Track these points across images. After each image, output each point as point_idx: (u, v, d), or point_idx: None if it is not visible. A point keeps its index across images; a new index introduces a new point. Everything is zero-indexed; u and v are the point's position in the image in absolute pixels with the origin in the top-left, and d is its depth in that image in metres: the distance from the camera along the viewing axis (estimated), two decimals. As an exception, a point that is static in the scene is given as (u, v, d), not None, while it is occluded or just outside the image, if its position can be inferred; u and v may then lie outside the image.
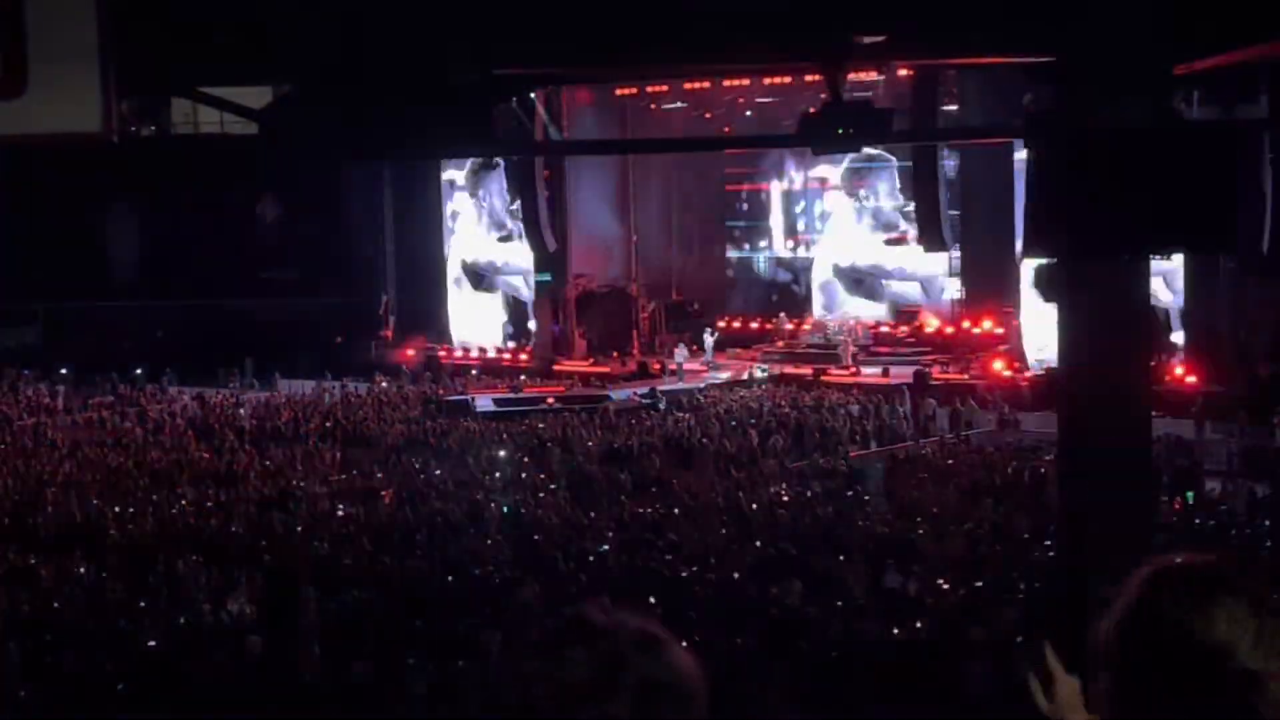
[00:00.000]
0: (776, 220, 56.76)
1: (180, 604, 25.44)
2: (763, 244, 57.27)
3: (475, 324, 57.22)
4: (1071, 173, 12.32)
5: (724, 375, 49.34)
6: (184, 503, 32.26)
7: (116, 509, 31.83)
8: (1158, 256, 13.96)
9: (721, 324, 54.31)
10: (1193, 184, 11.91)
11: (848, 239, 54.20)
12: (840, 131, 12.64)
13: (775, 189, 56.48)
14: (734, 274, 57.49)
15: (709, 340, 52.47)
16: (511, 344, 56.07)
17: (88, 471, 36.09)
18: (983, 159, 46.56)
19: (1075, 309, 13.24)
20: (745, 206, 57.39)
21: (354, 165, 55.78)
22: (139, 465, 36.80)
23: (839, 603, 24.12)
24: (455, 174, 57.57)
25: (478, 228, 57.94)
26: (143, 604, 25.29)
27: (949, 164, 47.80)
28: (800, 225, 56.31)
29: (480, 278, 57.71)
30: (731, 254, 57.74)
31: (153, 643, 23.65)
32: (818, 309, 54.65)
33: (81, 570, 27.70)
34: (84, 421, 45.58)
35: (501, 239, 56.89)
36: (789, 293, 56.17)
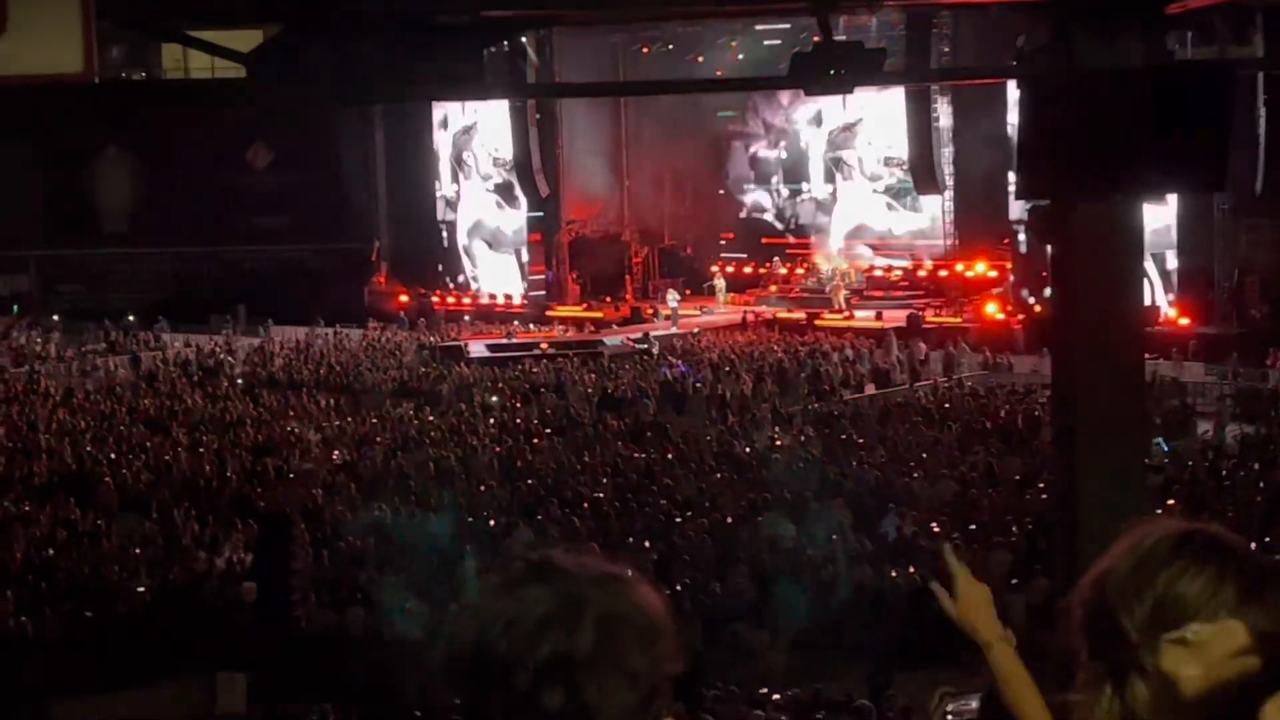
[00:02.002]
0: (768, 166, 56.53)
1: (174, 551, 25.47)
2: (754, 186, 57.00)
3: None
4: (1064, 113, 12.24)
5: (720, 320, 49.39)
6: (178, 449, 32.24)
7: (111, 456, 31.82)
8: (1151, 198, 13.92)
9: (714, 268, 54.22)
10: (1185, 124, 11.83)
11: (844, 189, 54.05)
12: (832, 72, 12.54)
13: (765, 131, 56.20)
14: (733, 217, 57.16)
15: (720, 284, 52.46)
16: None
17: (81, 418, 36.06)
18: (976, 101, 46.40)
19: (1067, 250, 13.19)
20: (739, 152, 57.11)
21: (344, 109, 55.52)
22: (132, 413, 36.76)
23: (831, 547, 24.17)
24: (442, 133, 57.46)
25: (469, 185, 57.69)
26: (137, 551, 25.32)
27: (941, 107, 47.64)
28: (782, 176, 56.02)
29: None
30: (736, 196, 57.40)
31: (143, 589, 23.70)
32: (813, 253, 54.48)
33: (75, 518, 27.72)
34: (76, 369, 45.52)
35: (496, 187, 56.60)
36: (781, 236, 55.94)
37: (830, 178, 54.37)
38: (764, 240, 55.54)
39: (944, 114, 47.68)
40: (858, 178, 53.65)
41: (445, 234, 58.50)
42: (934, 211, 50.71)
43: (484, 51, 13.58)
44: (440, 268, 58.11)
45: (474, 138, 57.25)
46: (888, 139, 51.44)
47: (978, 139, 46.48)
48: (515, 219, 56.33)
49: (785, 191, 55.85)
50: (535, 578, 2.27)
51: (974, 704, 2.66)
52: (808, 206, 55.01)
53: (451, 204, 58.38)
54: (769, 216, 56.16)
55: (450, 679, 2.27)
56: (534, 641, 2.21)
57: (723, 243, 56.20)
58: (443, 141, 58.13)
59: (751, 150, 56.41)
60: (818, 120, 53.69)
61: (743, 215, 56.81)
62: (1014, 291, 46.03)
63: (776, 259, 54.32)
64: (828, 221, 54.32)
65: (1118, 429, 13.07)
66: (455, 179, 58.21)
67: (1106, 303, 12.97)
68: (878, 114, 51.18)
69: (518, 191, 54.45)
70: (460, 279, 57.88)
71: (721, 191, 57.10)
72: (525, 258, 55.93)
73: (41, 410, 37.16)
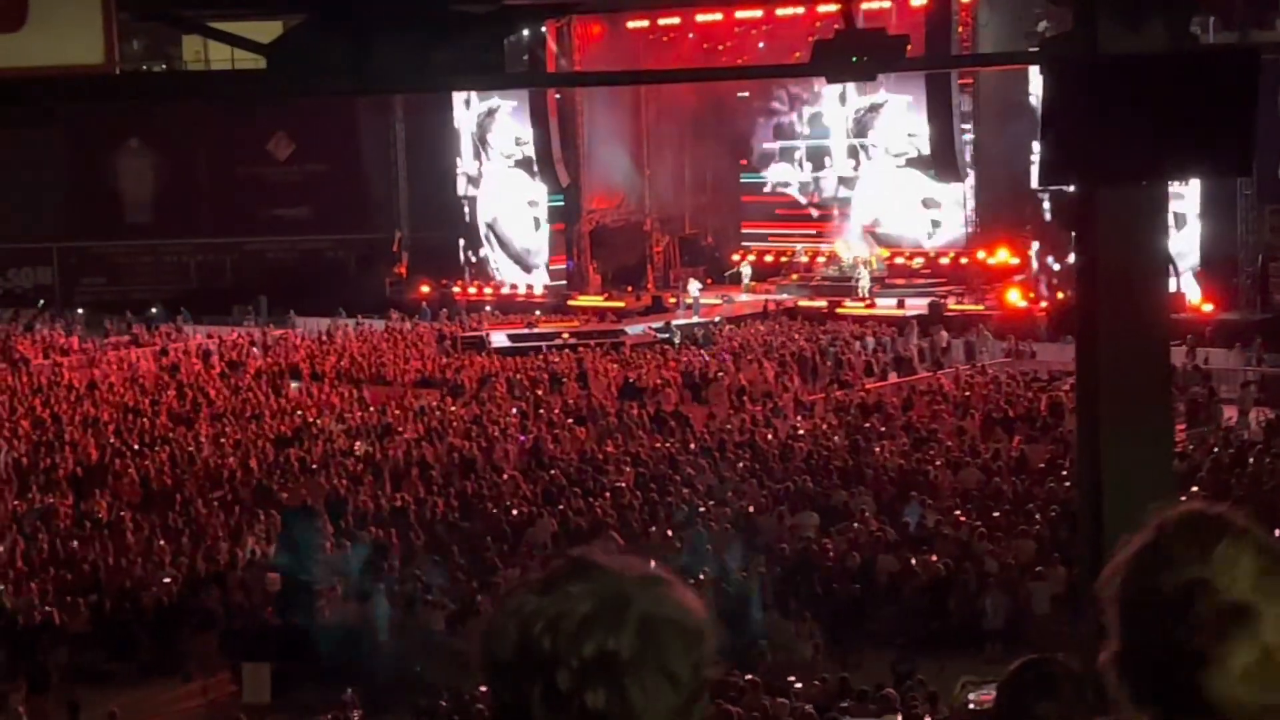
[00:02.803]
0: (788, 154, 56.30)
1: (199, 542, 25.53)
2: (774, 175, 56.78)
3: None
4: (1087, 99, 12.17)
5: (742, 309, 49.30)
6: (201, 441, 32.30)
7: (135, 448, 31.90)
8: (1174, 182, 13.84)
9: (735, 257, 54.08)
10: (1209, 108, 11.77)
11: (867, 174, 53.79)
12: (854, 59, 12.49)
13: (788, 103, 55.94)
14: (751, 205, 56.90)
15: (746, 271, 52.30)
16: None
17: (105, 411, 36.14)
18: (997, 87, 46.22)
19: (1092, 236, 13.12)
20: (762, 126, 56.82)
21: (365, 100, 55.55)
22: (155, 405, 36.83)
23: (855, 536, 24.14)
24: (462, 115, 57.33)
25: (491, 165, 57.50)
26: (162, 542, 25.39)
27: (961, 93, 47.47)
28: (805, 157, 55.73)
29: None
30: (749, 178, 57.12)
31: (168, 580, 23.76)
32: (833, 241, 54.25)
33: (100, 510, 27.81)
34: (100, 361, 45.63)
35: (518, 163, 56.34)
36: (804, 224, 55.69)
37: (854, 154, 54.02)
38: (779, 212, 55.17)
39: (965, 100, 47.49)
40: (880, 155, 53.27)
41: (467, 209, 58.35)
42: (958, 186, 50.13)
43: (504, 41, 13.55)
44: (461, 241, 58.05)
45: (496, 120, 57.02)
46: (912, 119, 51.05)
47: (999, 125, 46.30)
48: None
49: (809, 166, 55.53)
50: (578, 576, 2.23)
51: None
52: (830, 181, 54.72)
53: (473, 180, 58.22)
54: (793, 191, 55.82)
55: (491, 677, 2.25)
56: (577, 640, 2.19)
57: (744, 232, 55.99)
58: (465, 120, 57.89)
59: (775, 121, 56.12)
60: (841, 99, 53.34)
61: (766, 190, 56.46)
62: (1040, 259, 45.81)
63: (798, 248, 54.17)
64: (850, 197, 54.02)
65: (1142, 416, 13.01)
66: (477, 156, 58.02)
67: (1131, 289, 12.90)
68: (901, 93, 50.91)
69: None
70: (481, 252, 57.75)
71: (744, 162, 56.67)
72: (545, 252, 56.00)
73: (65, 403, 37.25)
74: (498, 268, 57.74)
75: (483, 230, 58.33)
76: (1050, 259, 45.02)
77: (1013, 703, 4.10)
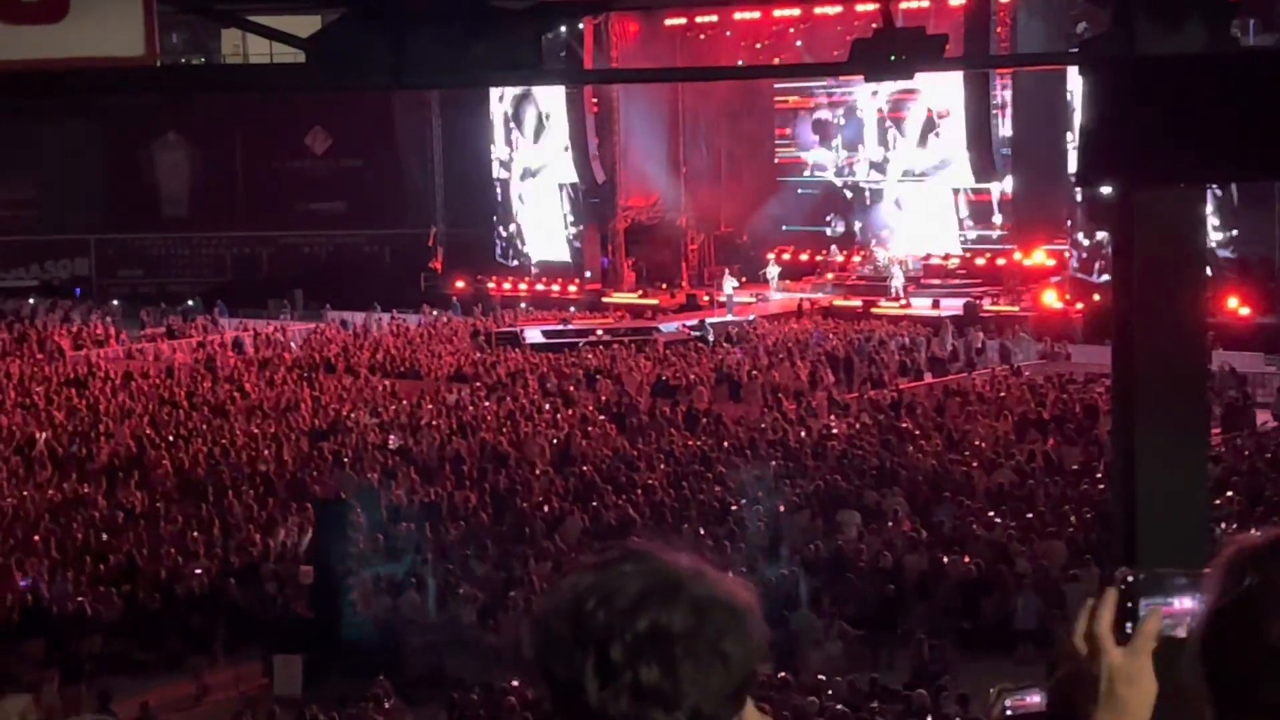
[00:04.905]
0: (825, 152, 56.19)
1: (232, 534, 25.64)
2: (810, 173, 56.68)
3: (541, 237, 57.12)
4: (1126, 100, 12.12)
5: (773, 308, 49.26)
6: (236, 433, 32.43)
7: (169, 439, 32.04)
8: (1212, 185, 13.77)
9: (769, 255, 53.99)
10: (1249, 111, 11.70)
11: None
12: (893, 58, 12.46)
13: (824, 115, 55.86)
14: (785, 202, 56.70)
15: (774, 271, 52.22)
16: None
17: (140, 402, 36.31)
18: (1035, 87, 46.05)
19: (1130, 238, 13.06)
20: (796, 135, 56.75)
21: (402, 95, 55.60)
22: (191, 397, 36.99)
23: (888, 536, 24.11)
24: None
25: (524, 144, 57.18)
26: (195, 534, 25.50)
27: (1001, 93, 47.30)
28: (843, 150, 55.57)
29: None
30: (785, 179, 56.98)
31: (200, 571, 23.86)
32: (869, 240, 54.11)
33: (134, 500, 27.95)
34: (136, 353, 45.86)
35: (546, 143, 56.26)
36: (840, 223, 55.57)
37: (884, 140, 53.76)
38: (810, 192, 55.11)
39: (1003, 100, 47.37)
40: (911, 134, 52.96)
41: (499, 192, 58.27)
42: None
43: (542, 37, 13.57)
44: (494, 218, 58.03)
45: (530, 104, 56.78)
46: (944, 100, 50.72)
47: (1036, 126, 46.14)
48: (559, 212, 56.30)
49: (844, 153, 55.33)
50: (631, 559, 2.26)
51: (1033, 698, 2.55)
52: (863, 166, 54.53)
53: (505, 164, 58.15)
54: (829, 175, 55.61)
55: (544, 653, 2.26)
56: (632, 614, 2.20)
57: (784, 229, 55.79)
58: (498, 109, 57.73)
59: (814, 116, 56.00)
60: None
61: (806, 173, 56.27)
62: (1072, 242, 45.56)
63: (833, 246, 54.08)
64: (883, 181, 53.83)
65: (1178, 420, 12.94)
66: (509, 141, 57.84)
67: (1168, 292, 12.84)
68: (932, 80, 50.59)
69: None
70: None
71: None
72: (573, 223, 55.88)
73: (101, 394, 37.43)
74: (526, 248, 57.41)
75: (515, 207, 58.18)
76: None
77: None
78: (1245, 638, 2.26)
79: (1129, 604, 2.41)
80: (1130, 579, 2.42)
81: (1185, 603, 2.40)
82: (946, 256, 51.78)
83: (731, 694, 2.25)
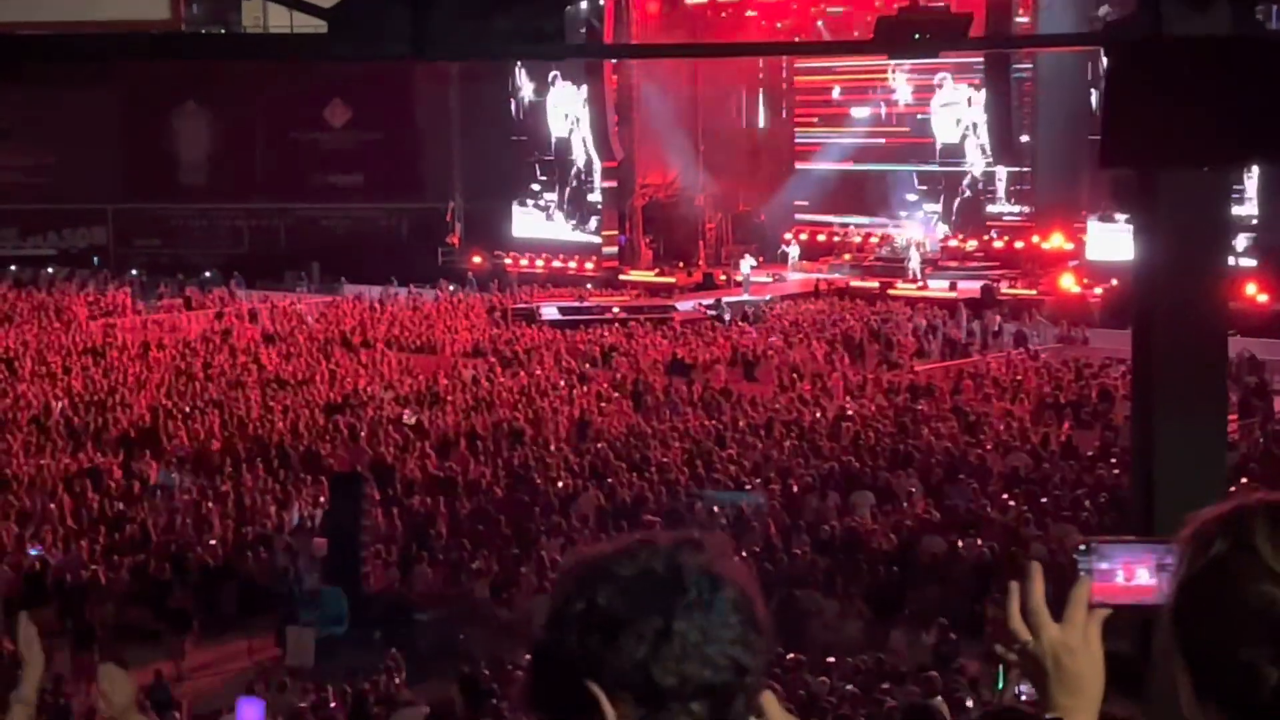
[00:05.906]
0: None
1: (246, 505, 25.67)
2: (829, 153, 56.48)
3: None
4: (1150, 83, 12.04)
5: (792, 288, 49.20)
6: (251, 405, 32.45)
7: (185, 410, 32.07)
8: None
9: (787, 235, 53.88)
10: (1274, 94, 11.61)
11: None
12: (917, 36, 12.39)
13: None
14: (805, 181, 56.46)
15: (795, 251, 52.13)
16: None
17: (157, 373, 36.34)
18: (1056, 69, 45.89)
19: (1151, 222, 12.98)
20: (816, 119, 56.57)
21: (421, 68, 55.43)
22: (207, 368, 37.02)
23: (902, 517, 24.08)
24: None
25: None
26: (210, 505, 25.54)
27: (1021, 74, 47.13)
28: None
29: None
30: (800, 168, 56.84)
31: (214, 543, 23.89)
32: (887, 221, 53.94)
33: (148, 471, 27.99)
34: (153, 323, 45.90)
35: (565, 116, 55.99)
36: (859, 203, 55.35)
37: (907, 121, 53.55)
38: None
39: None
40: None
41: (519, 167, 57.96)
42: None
43: (564, 10, 13.51)
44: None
45: (551, 84, 56.51)
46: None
47: (1057, 109, 45.98)
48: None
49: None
50: (641, 542, 2.29)
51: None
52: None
53: (524, 141, 57.78)
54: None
55: (554, 636, 2.26)
56: (642, 601, 2.21)
57: (799, 204, 55.61)
58: (526, 85, 57.34)
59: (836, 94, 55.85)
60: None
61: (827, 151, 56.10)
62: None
63: (851, 226, 53.96)
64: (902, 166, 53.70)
65: (1197, 405, 12.88)
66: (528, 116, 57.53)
67: (1189, 276, 12.77)
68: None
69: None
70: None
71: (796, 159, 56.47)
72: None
73: (118, 364, 37.48)
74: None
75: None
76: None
77: None
78: (1220, 602, 2.27)
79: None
80: (1080, 548, 2.49)
81: (1134, 568, 2.44)
82: (964, 239, 51.64)
83: (751, 671, 2.23)
